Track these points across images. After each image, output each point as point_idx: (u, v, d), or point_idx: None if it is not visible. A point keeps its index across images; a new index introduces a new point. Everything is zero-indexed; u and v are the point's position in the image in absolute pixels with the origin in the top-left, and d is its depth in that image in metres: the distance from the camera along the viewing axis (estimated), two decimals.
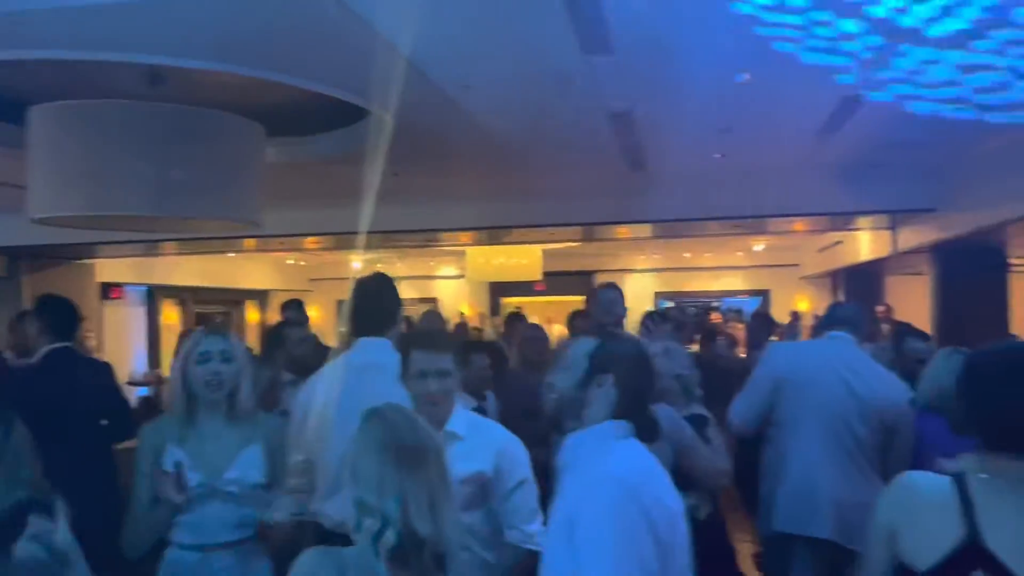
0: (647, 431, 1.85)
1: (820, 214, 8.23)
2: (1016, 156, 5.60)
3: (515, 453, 2.32)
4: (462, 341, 4.94)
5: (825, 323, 3.82)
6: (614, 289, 4.22)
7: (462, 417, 2.36)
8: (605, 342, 1.91)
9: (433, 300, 16.02)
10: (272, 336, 4.47)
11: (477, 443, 2.30)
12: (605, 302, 4.12)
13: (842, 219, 8.81)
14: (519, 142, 5.56)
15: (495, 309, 15.47)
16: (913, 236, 8.05)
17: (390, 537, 1.52)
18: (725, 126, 5.27)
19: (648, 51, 3.84)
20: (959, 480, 1.70)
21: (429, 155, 5.99)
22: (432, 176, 6.98)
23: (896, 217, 8.19)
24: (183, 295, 12.20)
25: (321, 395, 2.50)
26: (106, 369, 4.11)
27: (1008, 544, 1.61)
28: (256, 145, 4.47)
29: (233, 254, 11.71)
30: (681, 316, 11.05)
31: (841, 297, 12.32)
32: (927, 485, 1.76)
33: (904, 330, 5.19)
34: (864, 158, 6.56)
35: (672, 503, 1.79)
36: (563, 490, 1.79)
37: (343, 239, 9.83)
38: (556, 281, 14.28)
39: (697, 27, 3.59)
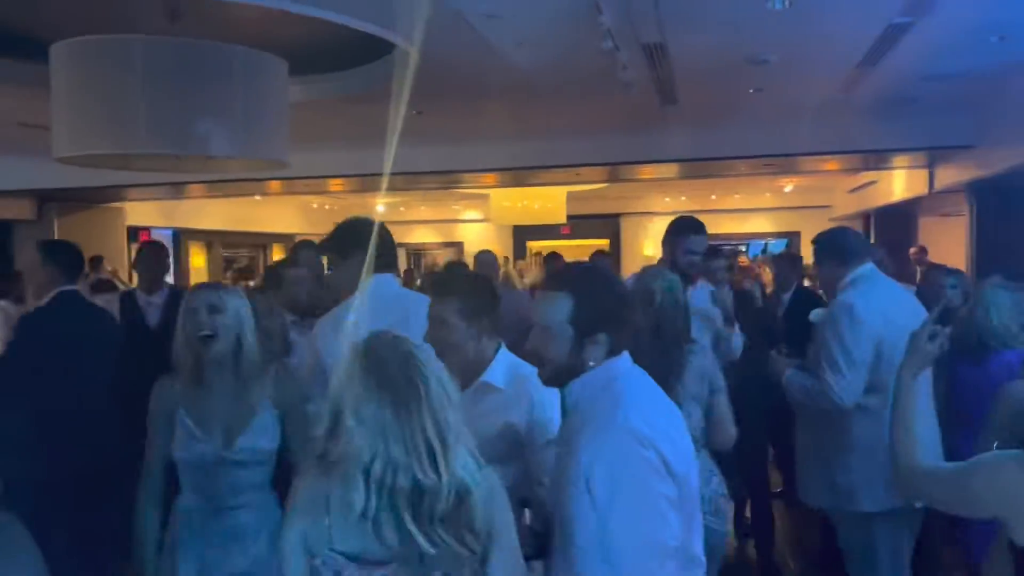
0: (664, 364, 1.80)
1: (854, 152, 8.02)
2: None
3: (550, 406, 2.13)
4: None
5: (853, 259, 3.29)
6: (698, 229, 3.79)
7: (502, 367, 2.25)
8: (581, 302, 1.74)
9: (458, 244, 16.00)
10: (270, 277, 4.37)
11: (513, 394, 2.20)
12: (691, 243, 3.73)
13: (877, 157, 8.58)
14: (547, 76, 5.42)
15: (520, 252, 15.41)
16: (951, 174, 7.84)
17: (391, 480, 1.50)
18: (761, 58, 5.08)
19: None
20: None
21: (454, 92, 5.87)
22: (457, 116, 6.86)
23: (933, 154, 7.96)
24: (210, 238, 12.27)
25: (353, 330, 2.44)
26: (107, 316, 4.10)
27: None
28: (281, 82, 4.37)
29: (259, 197, 11.71)
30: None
31: (873, 239, 12.11)
32: None
33: (941, 270, 5.07)
34: (902, 93, 6.32)
35: (681, 439, 1.75)
36: (574, 438, 1.70)
37: (367, 181, 9.75)
38: (581, 224, 14.17)
39: None
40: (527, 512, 1.84)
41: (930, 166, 8.33)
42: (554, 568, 1.71)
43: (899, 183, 9.58)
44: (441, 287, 2.29)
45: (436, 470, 1.51)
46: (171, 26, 4.15)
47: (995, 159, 6.77)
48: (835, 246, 3.38)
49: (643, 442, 1.63)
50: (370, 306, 2.57)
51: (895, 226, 11.35)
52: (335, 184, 10.49)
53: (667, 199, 14.67)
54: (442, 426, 1.54)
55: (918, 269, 9.38)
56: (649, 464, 1.63)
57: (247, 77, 4.12)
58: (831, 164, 9.47)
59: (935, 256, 10.61)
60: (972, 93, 6.33)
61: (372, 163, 7.34)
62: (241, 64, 4.06)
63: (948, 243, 9.94)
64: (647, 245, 14.64)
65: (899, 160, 8.66)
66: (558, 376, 1.78)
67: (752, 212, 14.54)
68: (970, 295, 3.71)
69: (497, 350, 2.29)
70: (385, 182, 9.77)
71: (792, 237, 14.32)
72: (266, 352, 2.62)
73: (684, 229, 3.79)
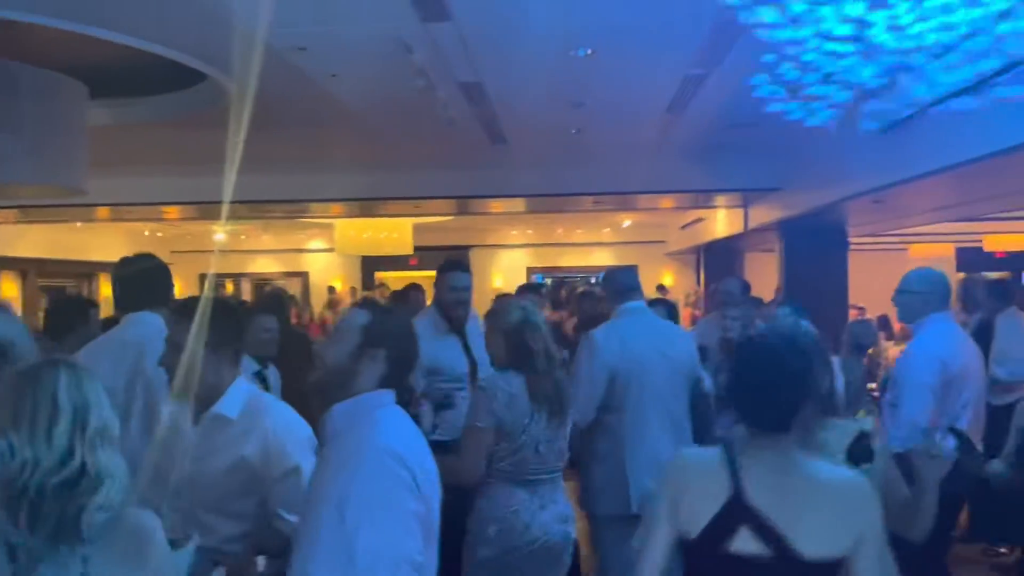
0: (406, 399, 1.88)
1: (677, 191, 8.51)
2: (848, 138, 5.93)
3: (287, 437, 2.11)
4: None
5: (620, 296, 3.67)
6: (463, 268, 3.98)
7: (237, 397, 2.17)
8: (379, 316, 1.89)
9: (303, 274, 15.65)
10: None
11: (247, 426, 2.13)
12: (454, 279, 3.90)
13: (700, 197, 9.14)
14: (370, 109, 5.44)
15: (369, 283, 15.25)
16: (762, 214, 8.45)
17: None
18: (576, 101, 5.31)
19: (488, 19, 3.81)
20: (727, 447, 1.81)
21: (285, 121, 5.78)
22: (295, 145, 6.75)
23: (747, 195, 8.57)
24: (24, 267, 11.37)
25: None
26: None
27: (766, 498, 1.73)
28: (77, 105, 4.16)
29: (79, 224, 11.02)
30: (555, 293, 11.28)
31: (703, 272, 12.84)
32: (698, 455, 1.90)
33: (757, 302, 5.51)
34: (714, 138, 6.79)
35: (431, 465, 1.82)
36: (329, 462, 1.75)
37: (206, 209, 9.38)
38: (430, 256, 14.19)
39: None
40: (260, 560, 1.81)
41: (745, 206, 8.96)
42: None
43: (721, 221, 10.23)
44: (181, 312, 2.21)
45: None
46: None
47: (798, 201, 7.36)
48: (609, 283, 3.78)
49: (398, 461, 1.70)
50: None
51: (721, 261, 12.11)
52: (171, 211, 10.05)
53: (514, 232, 15.00)
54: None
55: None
56: (403, 481, 1.69)
57: (39, 99, 3.90)
58: (665, 202, 9.99)
59: (758, 289, 11.35)
60: (775, 140, 6.87)
61: (210, 190, 7.09)
62: (29, 85, 3.83)
63: (770, 276, 10.68)
64: (496, 277, 14.87)
65: (719, 200, 9.25)
66: (326, 386, 1.83)
67: (594, 246, 15.08)
68: (749, 325, 4.03)
69: (235, 380, 2.21)
70: (226, 210, 9.45)
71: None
72: None
73: (448, 267, 3.97)
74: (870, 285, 9.01)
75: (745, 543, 1.70)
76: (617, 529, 3.40)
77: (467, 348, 3.81)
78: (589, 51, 4.19)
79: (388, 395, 1.86)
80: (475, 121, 5.80)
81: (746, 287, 5.67)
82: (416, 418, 2.21)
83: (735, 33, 3.95)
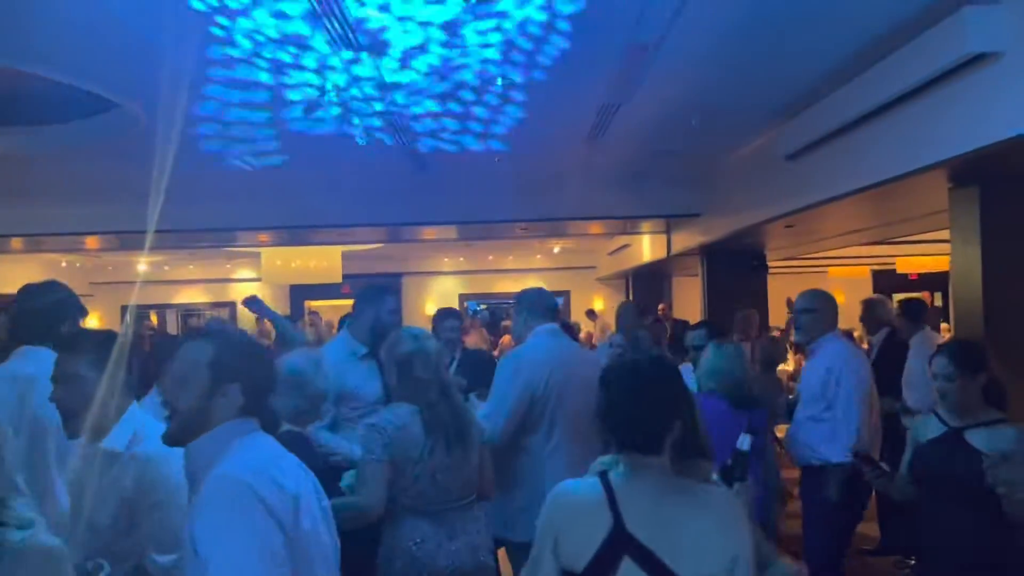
0: (269, 422, 1.83)
1: (603, 218, 8.66)
2: (760, 166, 6.14)
3: (157, 470, 2.06)
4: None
5: (531, 318, 3.70)
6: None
7: (126, 429, 2.13)
8: (225, 347, 1.79)
9: (230, 304, 15.34)
10: None
11: (129, 458, 2.09)
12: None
13: (627, 223, 9.32)
14: (296, 138, 5.41)
15: (298, 312, 15.03)
16: (684, 239, 8.65)
17: None
18: (492, 131, 5.38)
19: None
20: (603, 477, 1.84)
21: (202, 151, 5.70)
22: (215, 171, 6.63)
23: (670, 221, 8.78)
24: None
25: None
26: None
27: (645, 526, 1.76)
28: None
29: None
30: (491, 317, 11.38)
31: (632, 297, 13.04)
32: (578, 488, 1.88)
33: (683, 325, 5.64)
34: (637, 165, 6.96)
35: (293, 487, 1.74)
36: (193, 501, 1.70)
37: (127, 238, 9.15)
38: (361, 283, 14.06)
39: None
40: None
41: (668, 232, 9.16)
42: None
43: (647, 247, 10.44)
44: (72, 344, 2.18)
45: None
46: None
47: (716, 226, 7.57)
48: (523, 303, 3.78)
49: (244, 489, 1.64)
50: None
51: (649, 285, 12.35)
52: (90, 241, 9.76)
53: (446, 259, 15.02)
54: None
55: (666, 324, 10.24)
56: (250, 510, 1.63)
57: None
58: (593, 227, 10.15)
59: (683, 311, 11.65)
60: (694, 168, 7.07)
61: (131, 219, 6.95)
62: None
63: (696, 299, 10.92)
64: (429, 304, 14.83)
65: (645, 225, 9.45)
66: (184, 430, 1.76)
67: (527, 272, 15.20)
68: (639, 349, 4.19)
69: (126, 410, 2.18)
70: (149, 239, 9.22)
71: (563, 295, 15.09)
72: None
73: (382, 291, 4.00)
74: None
75: (629, 573, 1.72)
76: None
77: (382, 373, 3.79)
78: (502, 83, 4.26)
79: (246, 423, 1.79)
80: (397, 150, 5.82)
81: (641, 311, 5.86)
82: (301, 440, 2.17)
83: (647, 64, 4.09)
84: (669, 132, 5.71)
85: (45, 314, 2.72)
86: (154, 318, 15.00)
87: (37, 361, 2.51)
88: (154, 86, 4.07)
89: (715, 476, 2.13)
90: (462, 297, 15.42)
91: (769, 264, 8.92)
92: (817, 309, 3.99)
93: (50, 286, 2.87)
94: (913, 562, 5.24)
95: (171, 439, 1.77)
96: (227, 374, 1.75)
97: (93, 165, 6.07)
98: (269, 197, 7.80)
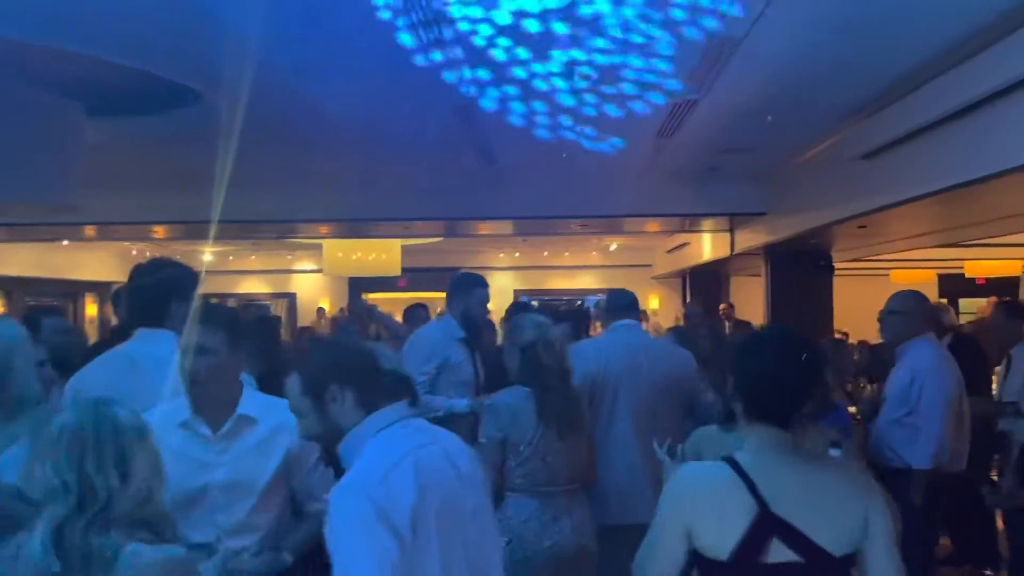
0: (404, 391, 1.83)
1: (664, 215, 8.59)
2: (831, 165, 6.03)
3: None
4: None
5: (611, 316, 3.84)
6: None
7: (252, 399, 2.25)
8: (306, 370, 1.83)
9: (290, 295, 15.61)
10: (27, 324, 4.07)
11: (274, 424, 2.20)
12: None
13: (687, 221, 9.23)
14: (363, 131, 5.49)
15: (356, 305, 15.23)
16: (748, 238, 8.54)
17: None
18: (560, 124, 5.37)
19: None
20: (731, 462, 1.81)
21: (276, 141, 5.81)
22: (280, 163, 6.77)
23: (734, 220, 8.67)
24: (9, 286, 11.29)
25: (92, 388, 2.28)
26: None
27: (789, 506, 1.75)
28: (69, 124, 4.17)
29: (66, 243, 10.97)
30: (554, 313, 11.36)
31: (688, 296, 12.92)
32: (704, 475, 1.85)
33: (745, 326, 5.58)
34: (704, 163, 6.89)
35: (408, 495, 1.68)
36: None
37: (194, 228, 9.38)
38: (418, 277, 14.21)
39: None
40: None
41: (731, 230, 9.05)
42: None
43: (707, 245, 10.32)
44: (207, 316, 2.26)
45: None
46: None
47: (783, 226, 7.46)
48: (605, 302, 3.98)
49: (359, 495, 1.66)
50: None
51: (707, 284, 12.20)
52: (159, 231, 10.02)
53: (502, 255, 15.04)
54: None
55: (726, 323, 10.13)
56: (365, 516, 1.63)
57: (27, 118, 3.90)
58: (651, 225, 10.08)
59: (744, 312, 11.47)
60: (762, 166, 6.97)
61: (198, 209, 7.10)
62: (19, 104, 3.84)
63: (756, 300, 10.77)
64: None
65: (706, 224, 9.35)
66: (328, 441, 1.82)
67: (581, 269, 15.15)
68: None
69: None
70: (214, 230, 9.44)
71: None
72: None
73: (477, 281, 4.18)
74: (852, 310, 9.13)
75: (779, 553, 1.72)
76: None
77: (474, 358, 3.99)
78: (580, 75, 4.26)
79: (379, 417, 1.78)
80: (466, 142, 5.86)
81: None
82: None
83: (726, 58, 4.05)
84: (740, 130, 5.65)
85: (155, 289, 2.60)
86: None
87: (154, 342, 2.45)
88: (239, 79, 4.15)
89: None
90: (516, 293, 15.43)
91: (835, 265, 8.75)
92: (907, 311, 3.90)
93: (160, 263, 2.81)
94: (989, 573, 5.12)
95: (329, 455, 1.85)
96: (320, 384, 1.79)
97: (166, 154, 6.21)
98: (334, 188, 7.92)
